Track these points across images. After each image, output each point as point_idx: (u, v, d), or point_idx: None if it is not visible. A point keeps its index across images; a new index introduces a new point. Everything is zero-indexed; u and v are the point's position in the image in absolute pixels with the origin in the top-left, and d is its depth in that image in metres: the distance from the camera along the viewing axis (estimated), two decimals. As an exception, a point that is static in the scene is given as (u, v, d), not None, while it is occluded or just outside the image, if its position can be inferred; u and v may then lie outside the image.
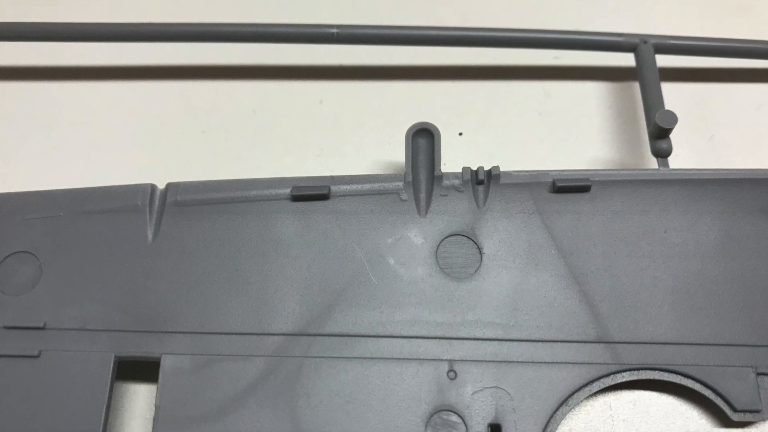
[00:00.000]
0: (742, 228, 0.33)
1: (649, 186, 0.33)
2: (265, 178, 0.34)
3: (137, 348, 0.31)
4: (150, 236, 0.33)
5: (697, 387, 0.31)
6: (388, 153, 0.39)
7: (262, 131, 0.40)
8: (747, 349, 0.31)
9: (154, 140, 0.40)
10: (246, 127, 0.41)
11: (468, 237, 0.33)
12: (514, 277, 0.32)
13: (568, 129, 0.40)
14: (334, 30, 0.39)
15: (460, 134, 0.40)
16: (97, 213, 0.33)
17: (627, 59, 0.40)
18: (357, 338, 0.31)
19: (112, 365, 0.30)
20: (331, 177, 0.34)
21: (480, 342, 0.31)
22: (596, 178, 0.33)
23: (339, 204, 0.33)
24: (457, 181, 0.34)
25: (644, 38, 0.39)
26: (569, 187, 0.33)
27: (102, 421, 0.29)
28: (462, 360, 0.31)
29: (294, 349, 0.31)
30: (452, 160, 0.39)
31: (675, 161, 0.36)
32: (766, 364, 0.31)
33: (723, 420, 0.31)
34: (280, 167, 0.39)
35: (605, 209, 0.33)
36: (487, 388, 0.30)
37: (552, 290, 0.32)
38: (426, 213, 0.33)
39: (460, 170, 0.34)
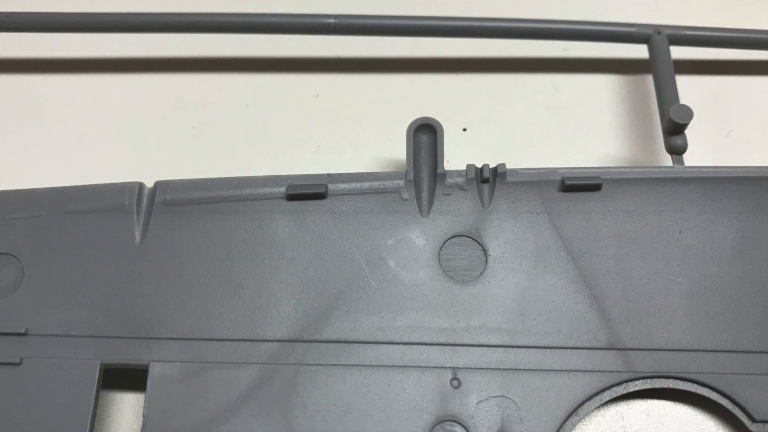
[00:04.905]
0: (761, 229, 0.33)
1: (663, 184, 0.33)
2: (258, 176, 0.34)
3: (124, 355, 0.31)
4: (137, 237, 0.33)
5: (714, 396, 0.31)
6: (389, 150, 0.39)
7: (255, 127, 0.40)
8: (766, 356, 0.31)
9: (141, 136, 0.40)
10: (238, 123, 0.41)
11: (472, 238, 0.33)
12: (521, 280, 0.32)
13: (577, 124, 0.40)
14: (332, 20, 0.39)
15: (464, 130, 0.40)
16: (82, 213, 0.33)
17: (640, 51, 0.40)
18: (356, 345, 0.31)
19: (97, 373, 0.30)
20: (329, 175, 0.34)
21: (485, 349, 0.31)
22: (607, 176, 0.33)
23: (337, 203, 0.33)
24: (460, 179, 0.34)
25: (658, 29, 0.39)
26: (579, 185, 0.33)
27: (87, 432, 0.30)
28: (466, 367, 0.31)
29: (289, 356, 0.31)
30: (456, 157, 0.39)
31: (690, 158, 0.37)
32: (787, 371, 0.31)
33: (741, 431, 0.31)
34: (274, 165, 0.39)
35: (617, 209, 0.33)
36: (493, 397, 0.30)
37: (561, 294, 0.32)
38: (428, 213, 0.33)
39: (464, 168, 0.34)
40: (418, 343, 0.31)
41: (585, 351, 0.31)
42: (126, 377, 0.32)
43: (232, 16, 0.39)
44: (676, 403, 0.32)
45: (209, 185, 0.34)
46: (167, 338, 0.31)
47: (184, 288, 0.32)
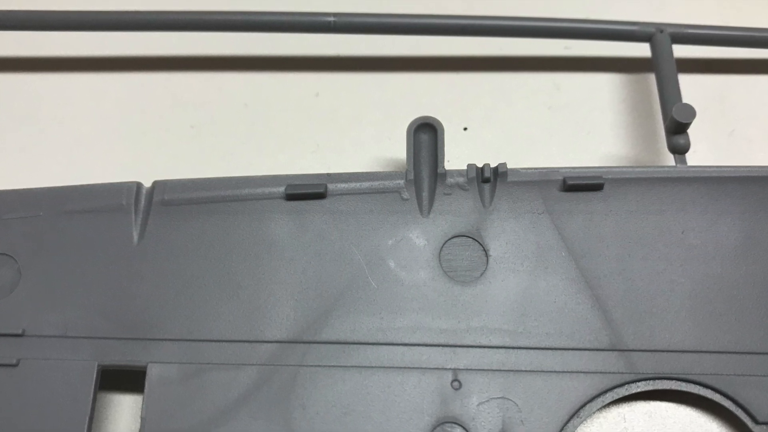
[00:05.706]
0: (765, 229, 0.33)
1: (665, 184, 0.33)
2: (257, 176, 0.34)
3: (122, 356, 0.31)
4: (135, 237, 0.33)
5: (717, 398, 0.31)
6: (389, 149, 0.39)
7: (254, 126, 0.40)
8: (770, 358, 0.31)
9: (139, 136, 0.40)
10: (237, 122, 0.40)
11: (473, 238, 0.33)
12: (522, 280, 0.32)
13: (579, 123, 0.40)
14: (331, 18, 0.39)
15: (465, 129, 0.40)
16: (80, 213, 0.33)
17: (642, 49, 0.40)
18: (355, 346, 0.31)
19: (95, 374, 0.30)
20: (328, 174, 0.34)
21: (486, 350, 0.31)
22: (609, 176, 0.33)
23: (336, 203, 0.33)
24: (461, 179, 0.34)
25: (660, 27, 0.39)
26: (581, 185, 0.33)
27: (84, 434, 0.30)
28: (467, 369, 0.31)
29: (288, 358, 0.31)
30: (456, 156, 0.39)
31: (693, 158, 0.36)
32: (790, 373, 0.31)
33: (744, 433, 0.32)
34: (273, 164, 0.39)
35: (619, 209, 0.33)
36: (494, 398, 0.30)
37: (562, 295, 0.32)
38: (428, 213, 0.33)
39: (465, 167, 0.34)
40: (419, 344, 0.31)
41: (587, 352, 0.31)
42: (124, 378, 0.32)
43: (231, 15, 0.39)
44: (679, 405, 0.32)
45: (208, 185, 0.34)
46: (165, 339, 0.31)
47: (182, 288, 0.32)
